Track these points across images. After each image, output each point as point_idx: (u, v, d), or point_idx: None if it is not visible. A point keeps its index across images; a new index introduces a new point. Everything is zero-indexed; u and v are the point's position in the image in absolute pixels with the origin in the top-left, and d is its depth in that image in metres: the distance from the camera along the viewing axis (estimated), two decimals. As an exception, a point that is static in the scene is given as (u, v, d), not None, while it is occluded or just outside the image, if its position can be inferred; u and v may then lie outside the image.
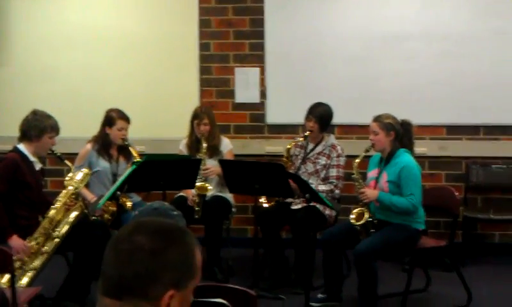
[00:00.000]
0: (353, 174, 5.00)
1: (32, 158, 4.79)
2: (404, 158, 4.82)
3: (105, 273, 1.61)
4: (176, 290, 1.59)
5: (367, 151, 5.00)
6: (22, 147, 4.77)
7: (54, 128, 4.83)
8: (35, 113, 4.83)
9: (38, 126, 4.75)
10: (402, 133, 4.90)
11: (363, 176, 5.10)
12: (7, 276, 4.21)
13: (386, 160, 4.90)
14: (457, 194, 5.18)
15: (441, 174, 6.38)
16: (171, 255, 1.60)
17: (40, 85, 6.61)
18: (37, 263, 4.58)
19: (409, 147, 4.94)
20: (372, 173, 5.02)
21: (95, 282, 4.88)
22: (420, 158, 5.11)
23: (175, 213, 2.48)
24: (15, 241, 4.53)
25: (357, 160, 5.01)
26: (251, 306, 2.73)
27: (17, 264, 4.40)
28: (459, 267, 5.15)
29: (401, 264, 5.71)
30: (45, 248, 4.62)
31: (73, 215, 4.74)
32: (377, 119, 4.91)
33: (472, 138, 6.31)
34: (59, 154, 4.90)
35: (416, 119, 5.14)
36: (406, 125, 4.95)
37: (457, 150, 6.32)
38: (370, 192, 4.87)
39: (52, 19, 6.63)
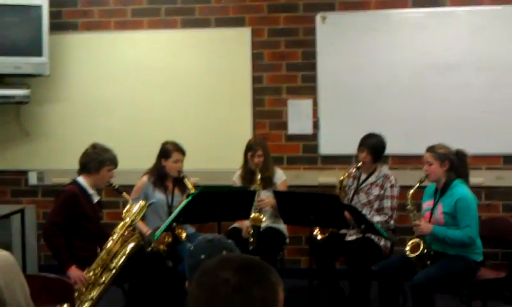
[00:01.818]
0: (408, 205, 4.96)
1: (90, 191, 4.88)
2: (460, 189, 4.76)
3: (189, 304, 1.64)
4: None
5: (421, 181, 4.95)
6: (81, 180, 4.88)
7: (113, 161, 4.92)
8: (94, 147, 4.93)
9: (97, 159, 4.85)
10: (457, 164, 4.84)
11: (418, 207, 5.04)
12: (66, 306, 4.29)
13: (441, 191, 4.85)
14: (515, 224, 5.09)
15: (499, 205, 6.27)
16: (256, 292, 1.60)
17: (98, 119, 6.75)
18: (94, 293, 4.65)
19: (465, 177, 4.88)
20: (427, 204, 4.97)
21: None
22: (476, 189, 5.04)
23: (229, 241, 2.49)
24: (74, 272, 4.61)
25: (411, 191, 4.97)
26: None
27: (75, 294, 4.47)
28: (519, 299, 5.04)
29: (459, 296, 5.60)
30: (103, 279, 4.68)
31: (130, 246, 4.80)
32: (431, 149, 4.87)
33: (528, 167, 6.21)
34: (117, 187, 4.98)
35: (471, 149, 5.09)
36: (460, 155, 4.90)
37: (514, 180, 6.22)
38: (425, 226, 4.81)
39: (108, 54, 6.78)
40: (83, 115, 6.80)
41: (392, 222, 5.42)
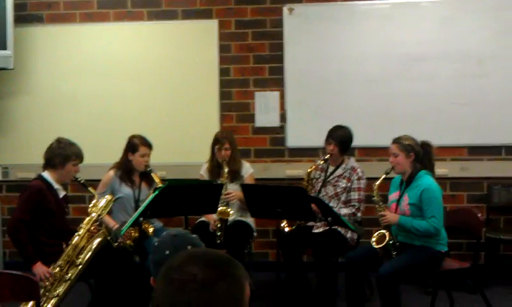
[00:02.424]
0: (374, 196, 5.00)
1: (56, 185, 4.83)
2: (425, 180, 4.81)
3: (156, 300, 1.65)
4: None
5: (387, 173, 5.00)
6: (46, 175, 4.82)
7: (78, 156, 4.88)
8: (59, 141, 4.88)
9: (62, 154, 4.80)
10: (422, 155, 4.89)
11: (385, 198, 5.09)
12: (31, 303, 4.26)
13: (407, 183, 4.90)
14: (479, 215, 5.15)
15: (463, 195, 6.36)
16: (222, 287, 1.62)
17: (63, 113, 6.69)
18: (60, 289, 4.60)
19: (430, 168, 4.93)
20: (393, 196, 5.02)
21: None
22: (441, 180, 5.09)
23: (194, 236, 2.50)
24: (39, 268, 4.57)
25: (377, 183, 5.01)
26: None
27: (41, 291, 4.43)
28: (483, 288, 5.10)
29: (424, 286, 5.67)
30: (69, 275, 4.64)
31: (97, 241, 4.76)
32: (396, 141, 4.91)
33: (493, 158, 6.29)
34: (83, 181, 4.94)
35: (436, 140, 5.13)
36: (425, 146, 4.95)
37: (478, 171, 6.31)
38: (391, 216, 4.86)
39: (74, 47, 6.71)
40: (48, 109, 6.73)
41: (359, 214, 5.46)
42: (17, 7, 6.49)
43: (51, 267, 4.61)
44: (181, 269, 1.64)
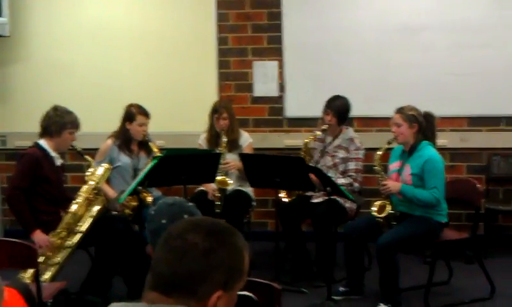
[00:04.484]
0: (374, 166, 4.98)
1: (52, 153, 4.81)
2: (428, 151, 4.79)
3: (156, 268, 1.64)
4: (224, 291, 1.62)
5: (390, 143, 4.98)
6: (42, 142, 4.80)
7: (75, 124, 4.85)
8: (56, 109, 4.85)
9: (59, 122, 4.77)
10: (425, 126, 4.86)
11: (385, 168, 5.07)
12: (30, 271, 4.25)
13: (409, 153, 4.87)
14: (478, 186, 5.14)
15: (463, 166, 6.34)
16: (223, 256, 1.63)
17: (60, 81, 6.63)
18: (60, 257, 4.61)
19: (432, 139, 4.91)
20: (394, 166, 5.00)
21: (116, 276, 4.92)
22: (441, 150, 5.06)
23: (191, 204, 2.49)
24: (39, 236, 4.56)
25: (379, 153, 4.98)
26: (275, 299, 2.73)
27: (41, 259, 4.42)
28: (482, 259, 5.11)
29: (423, 257, 5.68)
30: (68, 242, 4.65)
31: (96, 209, 4.77)
32: (400, 111, 4.88)
33: (493, 129, 6.26)
34: (79, 149, 4.93)
35: (436, 111, 5.08)
36: (428, 117, 4.92)
37: (478, 142, 6.28)
38: (393, 185, 4.84)
39: (71, 15, 6.64)
40: (45, 77, 6.67)
41: (356, 184, 5.45)
42: (13, -27, 6.41)
43: (50, 235, 4.60)
44: (182, 237, 1.64)
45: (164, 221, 2.37)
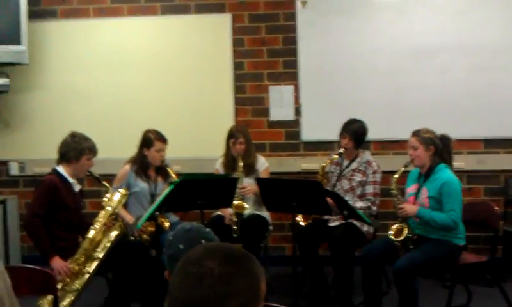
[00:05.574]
0: (391, 189, 4.97)
1: (71, 179, 4.84)
2: (445, 173, 4.78)
3: (172, 294, 1.64)
4: None
5: (406, 166, 4.97)
6: (60, 169, 4.84)
7: (92, 150, 4.89)
8: (73, 135, 4.89)
9: (77, 148, 4.81)
10: (441, 148, 4.86)
11: (402, 192, 5.06)
12: (49, 298, 4.27)
13: (425, 176, 4.86)
14: (496, 208, 5.11)
15: (480, 189, 6.31)
16: (239, 282, 1.62)
17: (78, 107, 6.70)
18: (78, 284, 4.63)
19: (449, 162, 4.89)
20: (411, 189, 4.99)
21: (134, 302, 4.92)
22: (457, 173, 5.05)
23: (208, 230, 2.49)
24: (57, 262, 4.58)
25: (396, 176, 4.98)
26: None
27: (59, 285, 4.45)
28: (501, 282, 5.06)
29: (442, 280, 5.64)
30: (86, 269, 4.66)
31: (114, 234, 4.79)
32: (416, 133, 4.87)
33: (510, 151, 6.24)
34: (97, 175, 4.96)
35: (452, 133, 5.08)
36: (445, 140, 4.91)
37: (495, 164, 6.26)
38: (410, 208, 4.83)
39: (87, 42, 6.72)
40: (63, 103, 6.74)
41: (374, 208, 5.43)
42: (31, 2, 6.49)
43: (68, 261, 4.62)
44: (198, 263, 1.63)
45: (181, 246, 2.38)
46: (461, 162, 5.94)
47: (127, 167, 5.52)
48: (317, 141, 6.50)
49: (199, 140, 6.57)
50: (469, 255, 5.01)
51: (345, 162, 5.60)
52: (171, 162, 5.57)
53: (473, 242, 5.96)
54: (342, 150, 5.53)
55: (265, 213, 5.69)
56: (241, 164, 5.59)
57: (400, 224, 4.86)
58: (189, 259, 1.66)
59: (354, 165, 5.55)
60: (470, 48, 6.24)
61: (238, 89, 6.62)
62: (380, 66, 6.38)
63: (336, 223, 5.38)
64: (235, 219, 5.45)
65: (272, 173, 5.94)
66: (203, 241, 2.35)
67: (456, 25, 6.28)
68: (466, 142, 6.20)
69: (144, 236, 5.18)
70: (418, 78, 6.32)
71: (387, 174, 5.35)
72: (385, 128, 6.31)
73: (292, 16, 6.50)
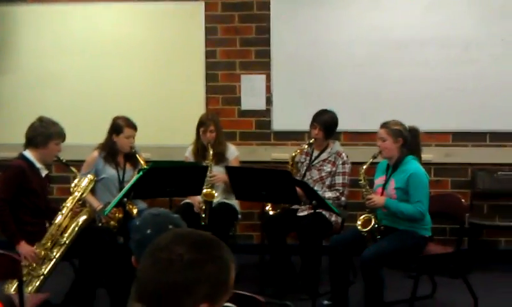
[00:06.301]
0: (360, 180, 5.00)
1: (38, 164, 4.79)
2: (412, 165, 4.82)
3: (141, 279, 1.64)
4: (209, 304, 1.62)
5: (375, 157, 5.00)
6: (28, 154, 4.78)
7: (60, 135, 4.84)
8: (41, 120, 4.84)
9: (44, 133, 4.76)
10: (409, 140, 4.90)
11: (370, 183, 5.09)
12: (15, 283, 4.23)
13: (393, 167, 4.90)
14: (463, 200, 5.16)
15: (447, 181, 6.38)
16: (209, 268, 1.62)
17: (46, 92, 6.64)
18: (44, 269, 4.59)
19: (417, 154, 4.94)
20: (379, 180, 5.02)
21: (100, 288, 4.91)
22: (426, 165, 5.10)
23: (176, 215, 2.48)
24: (24, 247, 4.54)
25: (364, 167, 5.02)
26: (259, 312, 2.72)
27: (25, 270, 4.41)
28: (466, 273, 5.13)
29: (407, 271, 5.69)
30: (53, 254, 4.63)
31: (82, 219, 4.76)
32: (385, 125, 4.91)
33: (478, 145, 6.31)
34: (64, 161, 4.92)
35: (422, 126, 5.12)
36: (413, 132, 4.95)
37: (463, 157, 6.33)
38: (378, 199, 4.87)
39: (57, 27, 6.66)
40: (32, 88, 6.67)
41: (343, 198, 5.47)
42: (1, -15, 6.42)
43: (35, 246, 4.59)
44: (168, 248, 1.63)
45: (149, 232, 2.36)
46: (430, 154, 5.99)
47: (96, 153, 5.48)
48: (287, 131, 6.51)
49: (169, 127, 6.55)
50: (435, 246, 5.07)
51: (315, 153, 5.62)
52: (140, 149, 5.54)
53: (440, 233, 6.04)
54: (312, 140, 5.55)
55: (234, 202, 5.70)
56: (211, 152, 5.59)
57: (368, 215, 4.90)
58: (158, 244, 1.66)
59: (324, 155, 5.57)
60: (442, 41, 6.29)
61: (210, 78, 6.61)
62: (352, 58, 6.41)
63: (305, 213, 5.40)
64: (203, 207, 5.45)
65: (242, 162, 5.95)
66: (170, 226, 2.33)
67: (429, 17, 6.31)
68: (434, 135, 6.26)
69: (112, 222, 5.15)
70: (391, 70, 6.36)
71: (357, 165, 5.37)
72: (356, 119, 6.34)
73: (266, 6, 6.49)
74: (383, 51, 6.35)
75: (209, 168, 5.47)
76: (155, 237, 1.73)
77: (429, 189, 4.84)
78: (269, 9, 6.48)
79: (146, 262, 1.64)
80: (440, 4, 6.28)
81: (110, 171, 5.44)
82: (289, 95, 6.52)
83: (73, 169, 4.94)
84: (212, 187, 5.52)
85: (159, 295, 1.59)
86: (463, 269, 5.24)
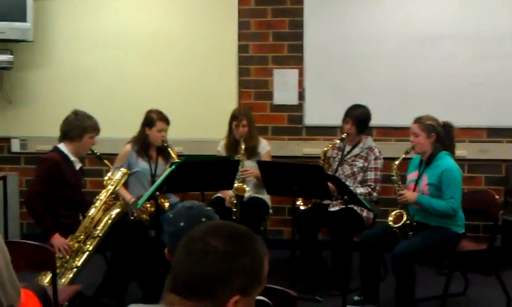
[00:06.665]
0: (392, 176, 4.97)
1: (72, 157, 4.85)
2: (446, 161, 4.77)
3: (175, 270, 1.65)
4: (243, 296, 1.62)
5: (407, 153, 4.97)
6: (62, 147, 4.84)
7: (95, 128, 4.89)
8: (76, 113, 4.89)
9: (79, 126, 4.81)
10: (443, 136, 4.85)
11: (403, 178, 5.06)
12: (49, 275, 4.29)
13: (426, 163, 4.86)
14: (497, 197, 5.10)
15: (481, 177, 6.32)
16: (243, 261, 1.62)
17: (81, 86, 6.70)
18: (78, 261, 4.65)
19: (451, 149, 4.89)
20: (411, 176, 4.99)
21: (132, 282, 4.95)
22: (459, 161, 5.05)
23: (209, 208, 2.49)
24: (58, 239, 4.60)
25: (396, 162, 4.99)
26: (291, 306, 2.73)
27: (59, 262, 4.47)
28: (498, 270, 5.07)
29: (440, 267, 5.66)
30: (87, 246, 4.68)
31: (115, 212, 4.81)
32: (418, 120, 4.87)
33: (512, 140, 6.24)
34: (98, 154, 4.97)
35: (456, 121, 5.06)
36: (447, 127, 4.90)
37: (497, 153, 6.26)
38: (410, 194, 4.84)
39: (93, 21, 6.71)
40: (66, 82, 6.74)
41: (375, 194, 5.44)
42: (37, -21, 6.49)
43: (69, 239, 4.64)
44: (202, 240, 1.64)
45: (182, 224, 2.38)
46: (463, 150, 5.94)
47: (128, 146, 5.52)
48: (319, 126, 6.50)
49: (201, 121, 6.57)
50: (468, 243, 5.02)
51: (347, 148, 5.61)
52: (172, 143, 5.58)
53: (473, 230, 5.98)
54: (344, 135, 5.54)
55: (266, 197, 5.70)
56: (243, 146, 5.59)
57: (400, 211, 4.87)
58: (193, 236, 1.67)
59: (356, 150, 5.55)
60: (475, 36, 6.22)
61: (242, 72, 6.61)
62: (385, 53, 6.37)
63: (336, 208, 5.39)
64: (235, 202, 5.46)
65: (274, 157, 5.94)
66: (204, 219, 2.35)
67: (461, 12, 6.25)
68: (468, 131, 6.20)
69: (144, 216, 5.19)
70: (423, 66, 6.31)
71: (389, 160, 5.34)
72: (388, 114, 6.30)
73: (299, 0, 6.47)
74: (415, 46, 6.30)
75: (241, 162, 5.48)
76: (188, 230, 1.74)
77: (462, 185, 4.80)
78: (302, 3, 6.46)
79: (181, 253, 1.66)
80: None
81: (142, 165, 5.48)
82: (321, 90, 6.51)
83: (107, 162, 4.99)
84: (243, 181, 5.53)
85: (193, 286, 1.61)
86: (496, 267, 5.18)
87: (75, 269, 4.61)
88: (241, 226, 1.74)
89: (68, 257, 4.62)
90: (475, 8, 6.22)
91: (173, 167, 4.83)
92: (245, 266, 1.63)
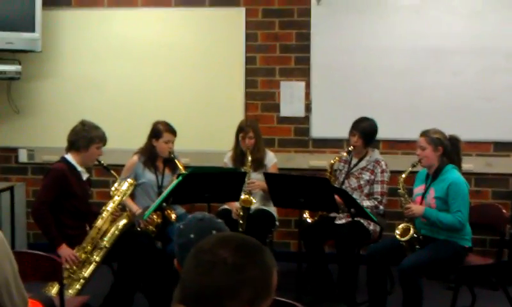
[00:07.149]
0: (399, 189, 4.96)
1: (79, 168, 4.86)
2: (452, 174, 4.76)
3: (184, 281, 1.65)
4: None
5: (414, 166, 4.96)
6: (69, 157, 4.85)
7: (102, 139, 4.90)
8: (83, 124, 4.90)
9: (86, 136, 4.82)
10: (450, 149, 4.85)
11: (409, 192, 5.05)
12: (56, 286, 4.29)
13: (433, 176, 4.85)
14: (504, 211, 5.09)
15: (488, 191, 6.29)
16: (252, 272, 1.62)
17: (88, 96, 6.71)
18: (85, 272, 4.65)
19: (457, 163, 4.88)
20: (418, 189, 4.98)
21: (138, 293, 4.94)
22: (466, 175, 5.04)
23: (219, 221, 2.49)
24: (64, 250, 4.61)
25: (403, 176, 4.98)
26: (296, 319, 2.72)
27: (66, 273, 4.47)
28: (506, 285, 5.05)
29: (447, 282, 5.63)
30: (94, 257, 4.68)
31: (122, 223, 4.82)
32: (425, 134, 4.86)
33: (519, 155, 6.22)
34: (105, 164, 4.97)
35: (462, 135, 5.05)
36: (454, 141, 4.90)
37: (504, 167, 6.24)
38: (416, 208, 4.83)
39: (101, 31, 6.73)
40: (74, 92, 6.75)
41: (381, 207, 5.43)
42: (45, -10, 6.52)
43: (75, 249, 4.64)
44: (211, 252, 1.64)
45: (192, 236, 2.38)
46: (470, 164, 5.93)
47: (135, 157, 5.53)
48: (326, 138, 6.49)
49: (208, 133, 6.58)
50: (475, 257, 5.00)
51: (354, 160, 5.60)
52: (179, 154, 5.58)
53: (480, 244, 5.96)
54: (351, 148, 5.53)
55: (272, 209, 5.70)
56: (250, 158, 5.59)
57: (407, 224, 4.86)
58: (202, 247, 1.67)
59: (362, 163, 5.54)
60: (483, 51, 6.21)
61: (249, 84, 6.62)
62: (392, 66, 6.36)
63: (343, 221, 5.38)
64: (241, 214, 5.45)
65: (280, 169, 5.95)
66: (214, 232, 2.35)
67: (470, 26, 6.24)
68: (475, 145, 6.18)
69: (151, 227, 5.19)
70: (430, 79, 6.31)
71: (396, 173, 5.34)
72: (395, 127, 6.30)
73: (306, 12, 6.47)
74: (424, 59, 6.30)
75: (247, 174, 5.48)
76: (198, 242, 1.74)
77: (469, 199, 4.79)
78: (309, 16, 6.47)
79: (190, 264, 1.66)
80: (481, 13, 6.20)
81: (149, 176, 5.48)
82: (328, 102, 6.50)
83: (114, 173, 5.00)
84: (250, 193, 5.52)
85: (201, 298, 1.60)
86: (503, 281, 5.16)
87: (82, 280, 4.62)
88: (250, 237, 1.75)
89: (75, 268, 4.62)
90: (483, 23, 6.21)
91: (180, 178, 4.84)
92: (254, 278, 1.63)
